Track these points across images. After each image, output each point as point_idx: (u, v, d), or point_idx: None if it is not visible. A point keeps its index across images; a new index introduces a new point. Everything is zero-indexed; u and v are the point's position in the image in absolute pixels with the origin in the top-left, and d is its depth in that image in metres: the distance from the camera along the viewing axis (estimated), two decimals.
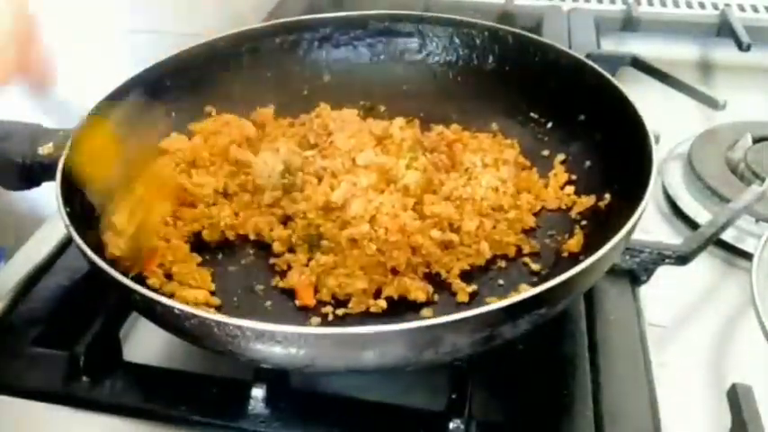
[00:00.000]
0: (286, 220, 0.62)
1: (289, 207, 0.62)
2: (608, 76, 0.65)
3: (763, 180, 0.71)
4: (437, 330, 0.43)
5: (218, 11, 0.95)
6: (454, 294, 0.56)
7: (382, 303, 0.55)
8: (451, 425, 0.48)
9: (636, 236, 0.53)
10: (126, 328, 0.58)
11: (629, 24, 1.04)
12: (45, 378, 0.53)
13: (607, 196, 0.61)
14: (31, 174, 0.61)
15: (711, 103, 0.84)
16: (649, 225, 0.70)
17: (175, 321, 0.45)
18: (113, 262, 0.51)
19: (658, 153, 0.56)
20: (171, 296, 0.53)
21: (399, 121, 0.70)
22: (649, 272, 0.61)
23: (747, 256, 0.65)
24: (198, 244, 0.61)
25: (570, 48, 0.89)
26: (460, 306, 0.55)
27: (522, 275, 0.58)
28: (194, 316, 0.43)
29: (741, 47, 0.95)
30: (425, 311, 0.55)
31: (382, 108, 0.76)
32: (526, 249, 0.60)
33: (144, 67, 0.68)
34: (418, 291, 0.55)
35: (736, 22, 0.99)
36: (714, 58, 1.02)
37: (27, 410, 0.52)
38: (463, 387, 0.49)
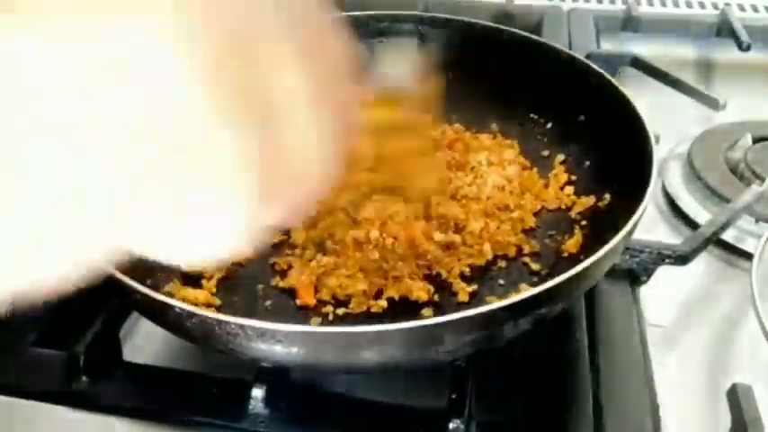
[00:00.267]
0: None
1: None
2: (608, 76, 0.65)
3: (763, 180, 0.71)
4: (438, 330, 0.43)
5: None
6: (454, 294, 0.56)
7: (383, 303, 0.55)
8: (451, 425, 0.48)
9: (636, 236, 0.53)
10: (126, 328, 0.58)
11: (629, 24, 1.04)
12: (45, 378, 0.53)
13: (607, 196, 0.61)
14: None
15: (711, 103, 0.84)
16: (649, 225, 0.70)
17: (176, 321, 0.45)
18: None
19: (658, 153, 0.56)
20: (171, 296, 0.53)
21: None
22: (649, 272, 0.61)
23: (747, 256, 0.65)
24: None
25: (570, 48, 0.89)
26: (461, 306, 0.55)
27: (522, 275, 0.58)
28: (195, 315, 0.43)
29: (741, 47, 0.95)
30: (426, 311, 0.55)
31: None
32: (526, 249, 0.60)
33: None
34: (420, 291, 0.55)
35: (736, 22, 0.99)
36: (714, 58, 1.01)
37: (27, 410, 0.52)
38: (463, 387, 0.49)
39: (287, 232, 0.60)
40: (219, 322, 0.43)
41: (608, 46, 1.01)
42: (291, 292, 0.57)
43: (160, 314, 0.46)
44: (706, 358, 0.58)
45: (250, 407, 0.50)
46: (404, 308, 0.55)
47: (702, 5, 1.09)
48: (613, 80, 0.64)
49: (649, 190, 0.51)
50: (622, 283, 0.61)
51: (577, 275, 0.45)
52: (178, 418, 0.51)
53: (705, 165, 0.75)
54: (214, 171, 0.23)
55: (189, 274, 0.56)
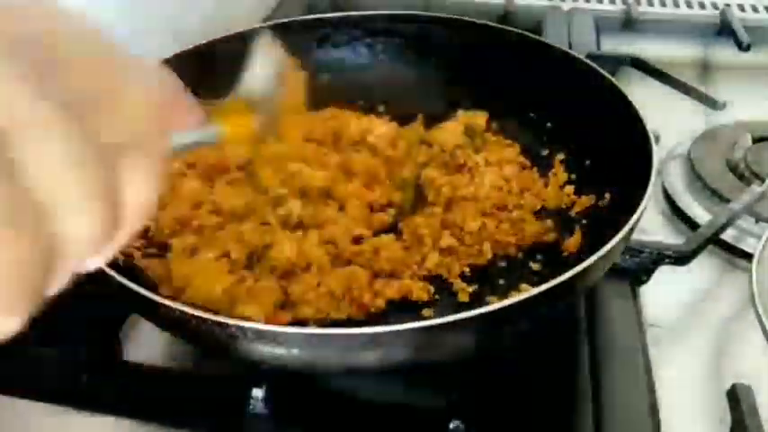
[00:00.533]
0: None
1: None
2: (608, 76, 0.65)
3: (763, 180, 0.71)
4: (438, 330, 0.43)
5: (218, 11, 0.95)
6: (455, 294, 0.56)
7: (381, 303, 0.55)
8: (451, 425, 0.48)
9: (636, 236, 0.53)
10: (126, 328, 0.58)
11: (629, 24, 1.04)
12: (45, 378, 0.53)
13: (607, 196, 0.61)
14: None
15: (711, 103, 0.84)
16: (649, 225, 0.70)
17: (177, 323, 0.45)
18: (113, 264, 0.51)
19: (658, 153, 0.56)
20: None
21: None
22: (649, 272, 0.61)
23: (747, 256, 0.65)
24: None
25: (570, 48, 0.89)
26: (461, 306, 0.55)
27: (522, 275, 0.58)
28: (195, 317, 0.43)
29: (741, 47, 0.95)
30: (426, 311, 0.55)
31: (381, 108, 0.76)
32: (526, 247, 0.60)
33: None
34: (421, 291, 0.55)
35: (737, 22, 0.99)
36: (714, 58, 1.01)
37: (27, 410, 0.52)
38: (463, 387, 0.49)
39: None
40: (220, 324, 0.43)
41: (608, 46, 1.01)
42: None
43: (160, 316, 0.46)
44: (706, 358, 0.58)
45: (250, 407, 0.50)
46: (404, 308, 0.55)
47: (702, 5, 1.09)
48: (613, 80, 0.64)
49: (649, 190, 0.51)
50: (622, 283, 0.61)
51: (578, 275, 0.45)
52: (178, 418, 0.51)
53: (705, 165, 0.75)
54: None
55: None
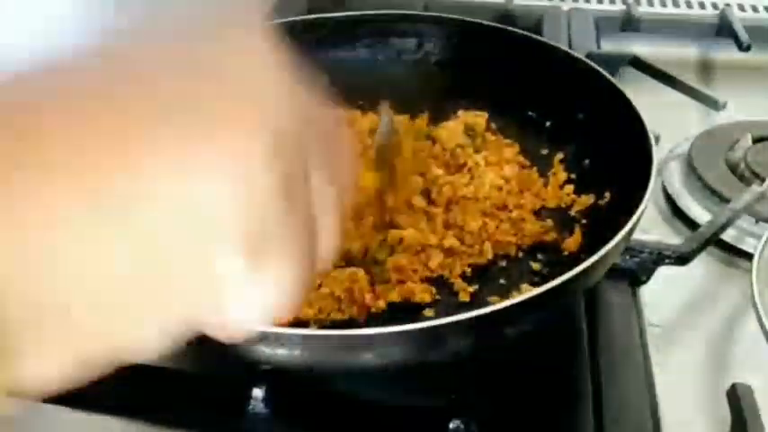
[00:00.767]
0: None
1: None
2: (608, 76, 0.65)
3: (763, 180, 0.71)
4: (440, 331, 0.43)
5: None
6: (455, 294, 0.56)
7: (382, 304, 0.55)
8: (451, 425, 0.48)
9: (636, 236, 0.53)
10: None
11: (629, 24, 1.04)
12: None
13: (607, 195, 0.61)
14: None
15: (711, 103, 0.84)
16: (649, 225, 0.70)
17: None
18: None
19: (658, 153, 0.56)
20: None
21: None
22: (649, 272, 0.61)
23: (747, 256, 0.65)
24: None
25: (570, 48, 0.89)
26: (462, 306, 0.55)
27: (522, 275, 0.58)
28: None
29: (741, 47, 0.95)
30: (427, 311, 0.55)
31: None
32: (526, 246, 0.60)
33: None
34: (423, 293, 0.55)
35: (737, 22, 0.99)
36: (714, 58, 1.01)
37: (27, 410, 0.52)
38: (463, 387, 0.49)
39: None
40: None
41: (608, 46, 1.00)
42: None
43: None
44: (706, 358, 0.58)
45: (250, 407, 0.50)
46: (405, 308, 0.55)
47: (702, 5, 1.09)
48: (613, 80, 0.64)
49: (649, 190, 0.51)
50: (622, 283, 0.61)
51: (578, 275, 0.45)
52: (178, 418, 0.51)
53: (705, 165, 0.75)
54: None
55: None
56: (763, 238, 0.59)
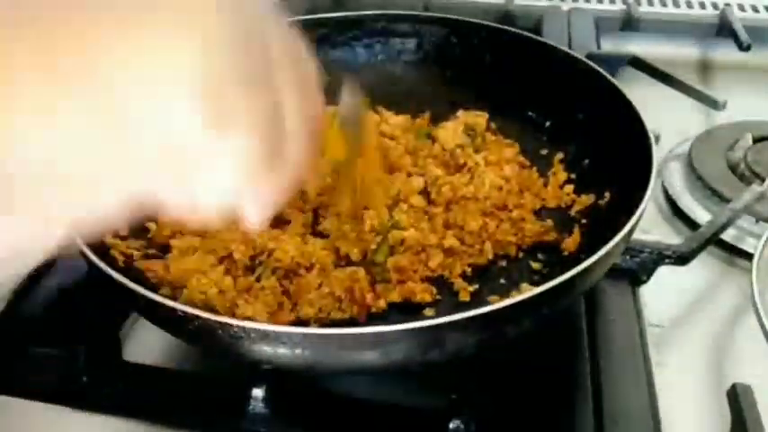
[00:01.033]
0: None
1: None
2: (608, 76, 0.65)
3: (763, 180, 0.71)
4: (440, 330, 0.43)
5: None
6: (456, 293, 0.56)
7: (382, 303, 0.55)
8: (451, 425, 0.48)
9: (636, 236, 0.53)
10: (126, 328, 0.58)
11: (629, 24, 1.04)
12: (45, 378, 0.53)
13: (607, 195, 0.61)
14: None
15: (711, 103, 0.84)
16: (649, 225, 0.70)
17: (177, 323, 0.45)
18: (114, 264, 0.51)
19: (658, 153, 0.56)
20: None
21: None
22: (649, 272, 0.61)
23: (747, 256, 0.65)
24: None
25: (570, 48, 0.89)
26: (462, 305, 0.55)
27: (522, 274, 0.58)
28: (198, 318, 0.43)
29: (741, 47, 0.95)
30: (427, 311, 0.55)
31: (380, 108, 0.76)
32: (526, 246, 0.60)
33: None
34: (424, 293, 0.55)
35: (737, 22, 0.99)
36: (714, 58, 1.02)
37: (27, 410, 0.52)
38: (463, 387, 0.49)
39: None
40: (222, 325, 0.43)
41: (608, 46, 1.01)
42: None
43: (160, 316, 0.46)
44: (706, 358, 0.58)
45: (250, 407, 0.50)
46: (405, 308, 0.55)
47: (702, 5, 1.09)
48: (613, 80, 0.64)
49: (649, 190, 0.51)
50: (622, 283, 0.61)
51: (578, 275, 0.45)
52: (178, 418, 0.51)
53: (705, 165, 0.75)
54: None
55: None
56: (763, 238, 0.59)
